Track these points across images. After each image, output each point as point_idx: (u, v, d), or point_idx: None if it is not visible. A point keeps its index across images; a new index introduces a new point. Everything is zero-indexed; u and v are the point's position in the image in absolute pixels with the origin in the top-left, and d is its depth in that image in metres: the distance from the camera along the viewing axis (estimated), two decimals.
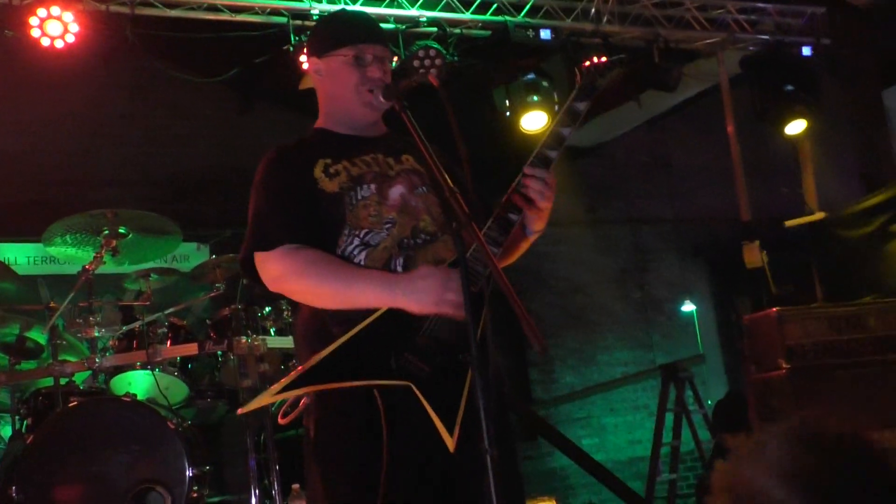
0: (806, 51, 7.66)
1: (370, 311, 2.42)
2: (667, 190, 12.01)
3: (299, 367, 2.38)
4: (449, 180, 2.36)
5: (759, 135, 8.64)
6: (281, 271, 2.52)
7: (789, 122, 7.63)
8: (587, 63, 2.76)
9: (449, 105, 2.44)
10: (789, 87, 7.56)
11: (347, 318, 2.42)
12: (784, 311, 6.07)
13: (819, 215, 7.65)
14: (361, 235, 2.54)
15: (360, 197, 2.58)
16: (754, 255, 7.05)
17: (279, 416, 2.49)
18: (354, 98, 2.70)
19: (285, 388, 2.33)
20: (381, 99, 2.64)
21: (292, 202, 2.57)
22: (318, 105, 2.86)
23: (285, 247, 2.51)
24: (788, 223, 7.80)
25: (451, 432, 2.29)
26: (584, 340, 11.34)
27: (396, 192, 2.62)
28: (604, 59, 2.68)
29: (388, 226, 2.56)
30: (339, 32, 2.76)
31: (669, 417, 8.03)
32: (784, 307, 6.18)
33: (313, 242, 2.52)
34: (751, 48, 7.82)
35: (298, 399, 2.48)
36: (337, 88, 2.73)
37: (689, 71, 7.93)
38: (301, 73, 6.06)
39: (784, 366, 5.90)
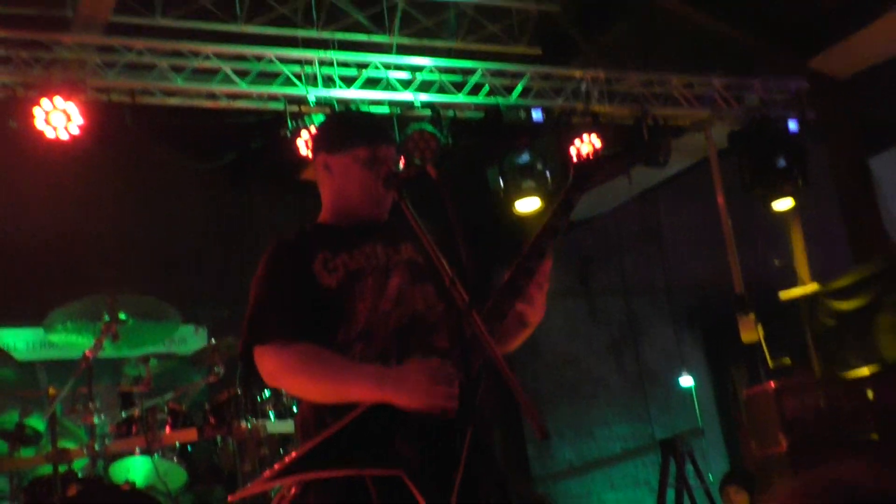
0: (792, 125, 7.81)
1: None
2: (659, 260, 12.07)
3: (292, 454, 2.39)
4: (448, 268, 2.41)
5: (749, 204, 8.76)
6: (275, 367, 2.55)
7: (777, 199, 7.75)
8: (579, 157, 2.83)
9: (447, 195, 2.49)
10: (782, 163, 7.68)
11: (342, 408, 2.44)
12: (782, 385, 6.11)
13: (812, 286, 7.71)
14: (359, 328, 2.58)
15: (357, 291, 2.61)
16: (750, 329, 7.08)
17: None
18: (365, 197, 2.74)
19: (277, 476, 2.35)
20: (382, 190, 2.69)
21: (289, 296, 2.59)
22: (317, 193, 2.91)
23: (280, 341, 2.54)
24: (783, 295, 7.85)
25: None
26: (581, 413, 11.26)
27: (394, 284, 2.66)
28: (596, 148, 2.75)
29: (384, 318, 2.60)
30: (354, 132, 2.81)
31: (671, 493, 7.96)
32: (781, 380, 6.20)
33: (309, 337, 2.54)
34: (737, 123, 7.97)
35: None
36: (348, 186, 2.76)
37: (678, 145, 8.07)
38: (298, 159, 6.16)
39: (784, 441, 5.90)
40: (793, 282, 8.08)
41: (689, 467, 7.96)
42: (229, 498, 2.60)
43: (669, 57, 8.16)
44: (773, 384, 6.07)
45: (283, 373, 2.54)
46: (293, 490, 2.46)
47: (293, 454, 2.40)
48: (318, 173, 2.86)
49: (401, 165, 2.89)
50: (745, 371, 8.17)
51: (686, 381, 11.48)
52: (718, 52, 8.40)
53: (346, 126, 2.93)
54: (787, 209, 7.87)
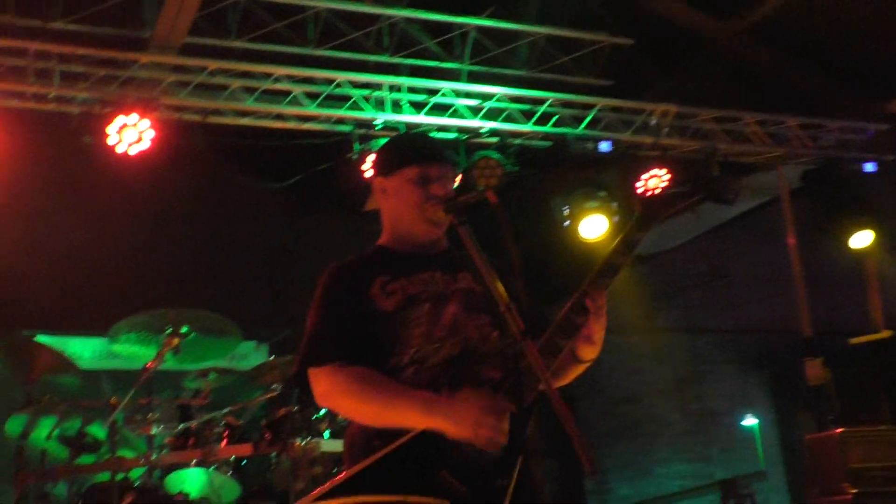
0: (869, 167, 7.65)
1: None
2: (725, 300, 11.89)
3: (338, 477, 2.41)
4: (505, 295, 2.39)
5: (821, 247, 8.58)
6: (328, 388, 2.58)
7: (854, 234, 7.55)
8: (647, 193, 2.79)
9: (506, 222, 2.48)
10: (857, 204, 7.52)
11: (390, 432, 2.45)
12: (848, 433, 5.92)
13: (886, 333, 7.50)
14: (412, 353, 2.58)
15: (413, 316, 2.61)
16: (817, 372, 6.91)
17: None
18: (418, 215, 2.74)
19: (322, 497, 2.36)
20: (441, 214, 2.69)
21: (345, 320, 2.62)
22: (380, 220, 2.93)
23: (334, 364, 2.57)
24: (853, 340, 7.65)
25: None
26: (640, 451, 11.12)
27: (450, 311, 2.65)
28: (664, 186, 2.72)
29: (437, 345, 2.59)
30: (405, 152, 2.84)
31: None
32: (849, 428, 6.02)
33: (363, 360, 2.56)
34: (810, 163, 7.83)
35: None
36: (401, 206, 2.78)
37: (749, 183, 7.96)
38: (363, 182, 6.21)
39: (850, 490, 5.71)
40: (865, 328, 7.88)
41: None
42: None
43: (743, 96, 8.07)
44: (839, 430, 5.89)
45: (336, 394, 2.57)
46: None
47: (341, 476, 2.41)
48: (376, 198, 2.89)
49: (455, 181, 2.87)
50: (813, 417, 7.96)
51: (749, 421, 11.26)
52: (794, 94, 8.29)
53: (398, 148, 2.95)
54: (868, 245, 7.63)
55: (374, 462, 2.39)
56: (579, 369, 2.78)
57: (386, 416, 2.47)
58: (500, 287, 2.42)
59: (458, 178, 2.80)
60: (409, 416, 2.44)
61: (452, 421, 2.38)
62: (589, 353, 2.70)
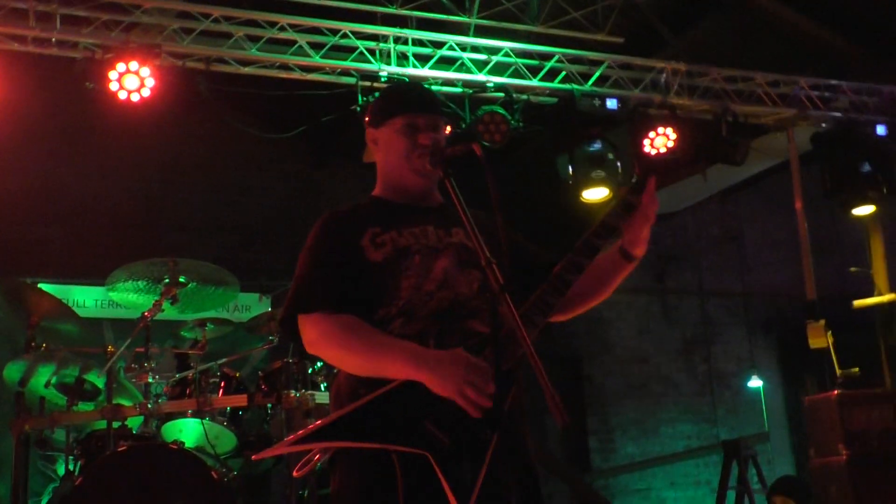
0: (880, 129, 7.53)
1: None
2: (737, 263, 11.84)
3: (318, 422, 2.41)
4: (486, 251, 2.37)
5: (830, 212, 8.50)
6: (315, 336, 2.58)
7: (858, 204, 7.48)
8: (647, 156, 2.77)
9: (491, 175, 2.45)
10: (867, 168, 7.42)
11: (375, 382, 2.45)
12: (846, 395, 5.92)
13: (889, 297, 7.46)
14: (400, 305, 2.57)
15: (403, 268, 2.61)
16: (818, 335, 6.88)
17: (294, 469, 2.50)
18: (405, 165, 2.74)
19: (300, 441, 2.37)
20: (429, 166, 2.66)
21: (335, 268, 2.62)
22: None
23: (322, 311, 2.57)
24: (856, 304, 7.61)
25: None
26: (647, 410, 11.17)
27: (440, 265, 2.64)
28: (666, 149, 2.69)
29: (426, 298, 2.58)
30: (392, 103, 2.83)
31: (731, 495, 7.83)
32: (847, 390, 6.01)
33: (352, 309, 2.56)
34: (822, 125, 7.71)
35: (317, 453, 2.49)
36: (390, 157, 2.79)
37: (759, 146, 7.86)
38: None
39: (844, 451, 5.73)
40: (870, 292, 7.83)
41: (753, 471, 7.82)
42: (252, 457, 2.64)
43: (757, 56, 7.95)
44: (836, 393, 5.88)
45: (323, 342, 2.56)
46: (317, 457, 2.47)
47: (319, 422, 2.41)
48: (371, 150, 2.89)
49: (444, 131, 2.85)
50: (817, 381, 7.95)
51: (755, 382, 11.27)
52: (809, 55, 8.16)
53: (387, 98, 2.95)
54: (868, 215, 7.59)
55: (357, 409, 2.39)
56: (591, 304, 2.82)
57: (371, 365, 2.48)
58: (482, 241, 2.40)
59: (448, 128, 2.78)
60: (394, 367, 2.44)
61: (438, 377, 2.38)
62: (640, 246, 2.73)
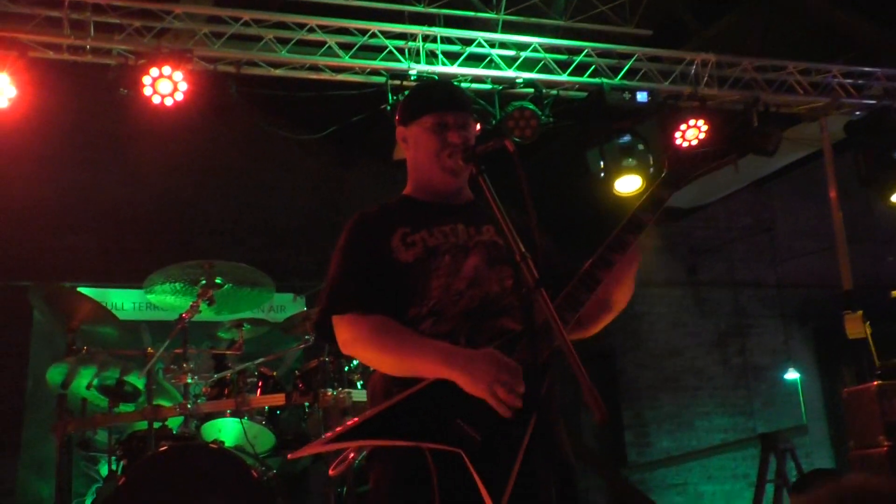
0: None
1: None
2: (770, 254, 11.76)
3: (353, 420, 2.42)
4: (521, 245, 2.37)
5: (865, 201, 8.42)
6: (350, 337, 2.60)
7: (894, 191, 7.40)
8: (677, 150, 2.74)
9: (522, 172, 2.45)
10: None
11: (408, 381, 2.48)
12: (886, 385, 5.85)
13: None
14: (431, 305, 2.59)
15: (433, 267, 2.63)
16: (856, 326, 6.81)
17: (330, 468, 2.52)
18: (435, 164, 2.76)
19: (336, 439, 2.38)
20: (461, 163, 2.68)
21: (367, 270, 2.64)
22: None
23: (356, 313, 2.60)
24: (895, 293, 7.52)
25: None
26: (682, 405, 11.11)
27: (470, 264, 2.66)
28: (696, 143, 2.65)
29: (456, 297, 2.60)
30: (422, 101, 2.85)
31: (770, 489, 7.77)
32: (886, 381, 5.95)
33: (384, 310, 2.58)
34: (856, 113, 7.64)
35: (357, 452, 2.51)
36: (420, 155, 2.81)
37: (792, 135, 7.80)
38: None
39: (885, 443, 5.67)
40: None
41: (791, 464, 7.76)
42: (289, 456, 2.66)
43: (787, 45, 7.89)
44: (876, 383, 5.82)
45: (357, 343, 2.59)
46: (351, 455, 2.49)
47: (354, 420, 2.42)
48: (401, 148, 2.91)
49: (474, 129, 2.86)
50: (854, 372, 7.87)
51: (791, 375, 11.18)
52: (841, 43, 8.09)
53: (416, 96, 2.97)
54: None
55: (391, 408, 2.41)
56: (609, 317, 2.77)
57: (404, 364, 2.50)
58: (516, 237, 2.41)
59: (478, 126, 2.80)
60: (426, 366, 2.46)
61: (469, 376, 2.40)
62: (621, 296, 2.70)
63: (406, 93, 6.07)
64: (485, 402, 2.38)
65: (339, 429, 2.39)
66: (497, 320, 2.59)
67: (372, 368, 2.69)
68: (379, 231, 2.71)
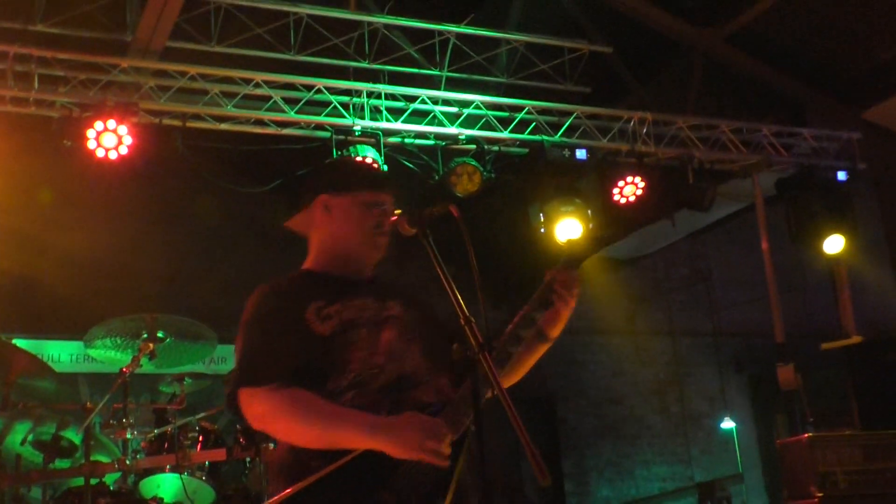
0: (841, 175, 7.73)
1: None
2: (706, 303, 11.99)
3: (284, 492, 2.39)
4: (464, 308, 2.44)
5: (797, 253, 8.66)
6: (265, 410, 2.52)
7: (826, 239, 7.64)
8: (569, 242, 2.84)
9: (468, 237, 2.51)
10: (829, 213, 7.61)
11: (329, 454, 2.44)
12: (817, 437, 6.01)
13: (856, 339, 7.60)
14: (351, 378, 2.57)
15: (350, 341, 2.61)
16: (789, 377, 7.00)
17: None
18: (367, 241, 2.77)
19: None
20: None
21: (282, 341, 2.57)
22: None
23: (272, 385, 2.51)
24: (825, 346, 7.74)
25: None
26: (622, 452, 11.21)
27: (385, 338, 2.66)
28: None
29: (376, 371, 2.60)
30: (361, 175, 2.88)
31: None
32: (818, 433, 6.10)
33: (301, 383, 2.52)
34: (786, 171, 7.91)
35: None
36: (349, 228, 2.78)
37: (726, 190, 8.03)
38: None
39: (816, 494, 5.80)
40: (838, 336, 7.94)
41: None
42: None
43: (720, 103, 8.15)
44: (807, 435, 5.98)
45: (275, 415, 2.51)
46: None
47: (286, 492, 2.39)
48: (313, 215, 2.84)
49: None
50: (788, 421, 8.05)
51: (727, 424, 11.36)
52: (770, 101, 8.38)
53: (353, 169, 2.99)
54: (839, 251, 7.70)
55: (318, 480, 2.39)
56: (540, 352, 2.81)
57: (329, 437, 2.45)
58: (461, 301, 2.47)
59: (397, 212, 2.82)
60: (352, 437, 2.43)
61: (398, 441, 2.39)
62: (557, 328, 2.75)
63: (356, 149, 6.15)
64: (408, 474, 2.41)
65: (269, 503, 2.38)
66: (414, 393, 2.60)
67: (276, 443, 2.63)
68: (291, 304, 2.65)
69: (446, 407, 2.52)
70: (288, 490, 2.38)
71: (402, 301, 2.79)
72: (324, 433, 2.47)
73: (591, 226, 6.93)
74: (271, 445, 5.09)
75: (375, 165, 3.26)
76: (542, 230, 7.03)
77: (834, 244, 7.67)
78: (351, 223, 2.79)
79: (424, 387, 2.65)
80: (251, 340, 2.61)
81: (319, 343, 2.59)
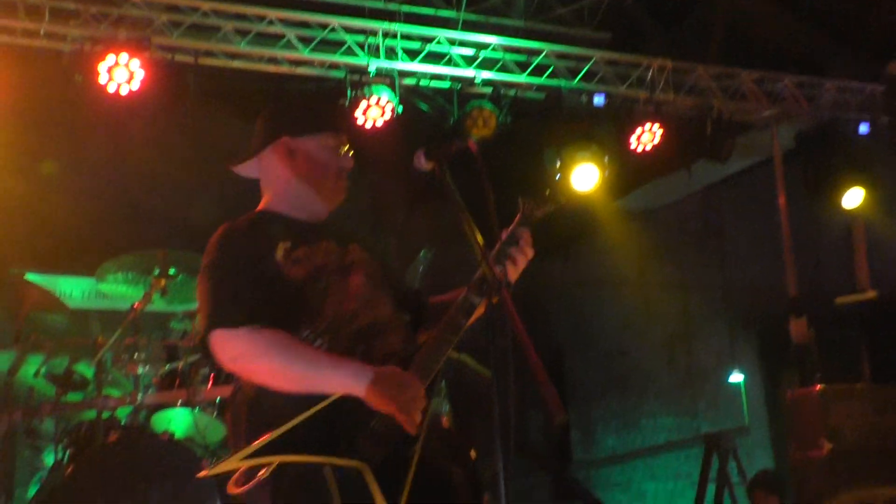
0: (863, 128, 7.62)
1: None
2: (718, 258, 11.92)
3: (264, 436, 2.34)
4: (482, 245, 2.41)
5: (812, 209, 8.59)
6: (243, 351, 2.46)
7: (845, 193, 7.55)
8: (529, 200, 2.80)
9: (485, 173, 2.48)
10: (849, 166, 7.52)
11: (303, 399, 2.39)
12: (828, 390, 5.98)
13: (870, 294, 7.55)
14: (324, 325, 2.53)
15: (323, 286, 2.57)
16: (801, 331, 6.96)
17: (229, 485, 2.40)
18: (331, 184, 2.73)
19: (249, 456, 2.33)
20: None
21: (255, 282, 2.51)
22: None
23: (251, 326, 2.45)
24: (839, 300, 7.69)
25: None
26: (628, 404, 11.24)
27: (355, 283, 2.64)
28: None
29: (350, 317, 2.57)
30: (325, 116, 2.81)
31: (711, 488, 7.89)
32: (828, 385, 6.09)
33: (277, 324, 2.47)
34: (806, 123, 7.80)
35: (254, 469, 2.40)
36: (312, 172, 2.72)
37: (743, 142, 7.94)
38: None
39: (826, 445, 5.79)
40: (853, 293, 7.90)
41: (733, 464, 7.88)
42: (199, 474, 2.60)
43: (741, 53, 8.02)
44: (818, 387, 5.95)
45: (253, 357, 2.45)
46: (261, 472, 2.39)
47: (266, 436, 2.35)
48: (271, 160, 2.77)
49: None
50: (797, 376, 8.04)
51: (735, 377, 11.36)
52: (793, 53, 8.24)
53: (316, 110, 2.87)
54: (859, 205, 7.62)
55: (299, 424, 2.35)
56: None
57: (309, 380, 2.40)
58: (478, 236, 2.43)
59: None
60: (332, 383, 2.39)
61: (377, 393, 2.37)
62: (513, 277, 2.66)
63: (370, 89, 6.07)
64: (385, 419, 2.38)
65: (254, 444, 2.33)
66: (385, 338, 2.57)
67: (238, 389, 2.56)
68: (258, 243, 2.59)
69: (416, 355, 2.49)
70: (265, 436, 2.33)
71: (359, 244, 2.75)
72: (304, 376, 2.41)
73: (606, 173, 6.87)
74: None
75: (337, 106, 3.14)
76: (558, 177, 6.97)
77: (853, 198, 7.58)
78: (318, 168, 2.72)
79: (394, 333, 2.62)
80: (221, 281, 2.53)
81: (292, 287, 2.54)
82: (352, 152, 2.79)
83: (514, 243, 2.63)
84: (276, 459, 2.34)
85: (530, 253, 2.68)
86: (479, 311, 2.54)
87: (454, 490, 2.53)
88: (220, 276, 2.55)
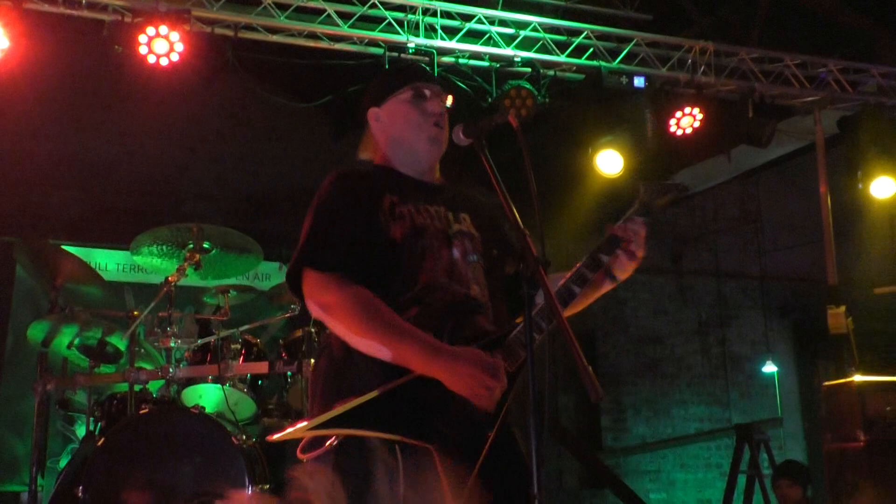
0: None
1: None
2: (755, 245, 11.80)
3: (335, 407, 2.33)
4: (520, 222, 2.36)
5: (851, 196, 8.46)
6: (332, 301, 2.42)
7: (883, 188, 7.42)
8: (647, 186, 2.76)
9: (526, 148, 2.43)
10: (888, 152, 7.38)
11: (384, 369, 2.38)
12: (865, 381, 5.90)
13: None
14: (416, 293, 2.49)
15: (420, 251, 2.53)
16: (839, 322, 6.85)
17: (298, 451, 2.40)
18: (418, 134, 2.70)
19: (319, 426, 2.31)
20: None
21: (357, 229, 2.49)
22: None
23: (341, 276, 2.43)
24: (877, 291, 7.57)
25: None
26: (660, 391, 11.17)
27: (453, 255, 2.58)
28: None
29: (441, 290, 2.52)
30: (395, 77, 2.79)
31: (742, 479, 7.82)
32: (866, 377, 6.00)
33: (368, 278, 2.45)
34: (850, 109, 7.66)
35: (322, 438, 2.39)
36: (399, 128, 2.72)
37: (785, 127, 7.81)
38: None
39: (862, 437, 5.72)
40: (892, 283, 7.78)
41: (764, 455, 7.81)
42: (267, 438, 2.59)
43: (784, 36, 7.88)
44: (855, 378, 5.87)
45: (341, 311, 2.41)
46: (328, 443, 2.38)
47: (335, 408, 2.33)
48: (370, 132, 2.80)
49: (448, 102, 2.82)
50: (833, 367, 7.94)
51: (769, 368, 11.25)
52: (837, 37, 8.09)
53: (387, 76, 2.92)
54: (891, 196, 7.49)
55: (374, 398, 2.33)
56: (603, 291, 2.74)
57: (389, 351, 2.37)
58: (516, 214, 2.39)
59: (450, 98, 2.73)
60: (413, 359, 2.36)
61: (455, 375, 2.33)
62: (626, 273, 2.68)
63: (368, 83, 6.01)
64: (461, 402, 2.35)
65: (322, 416, 2.31)
66: (475, 319, 2.52)
67: (332, 344, 2.51)
68: (367, 192, 2.56)
69: (506, 338, 2.45)
70: (338, 405, 2.31)
71: (472, 215, 2.70)
72: (387, 345, 2.38)
73: (642, 159, 6.78)
74: (313, 361, 5.09)
75: (415, 63, 3.15)
76: (596, 158, 6.89)
77: (885, 189, 7.46)
78: (400, 123, 2.72)
79: (485, 312, 2.57)
80: (322, 221, 2.53)
81: (389, 246, 2.51)
82: (447, 96, 2.76)
83: (624, 240, 2.63)
84: (345, 432, 2.33)
85: (642, 252, 2.66)
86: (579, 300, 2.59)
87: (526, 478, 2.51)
88: (322, 216, 2.54)
